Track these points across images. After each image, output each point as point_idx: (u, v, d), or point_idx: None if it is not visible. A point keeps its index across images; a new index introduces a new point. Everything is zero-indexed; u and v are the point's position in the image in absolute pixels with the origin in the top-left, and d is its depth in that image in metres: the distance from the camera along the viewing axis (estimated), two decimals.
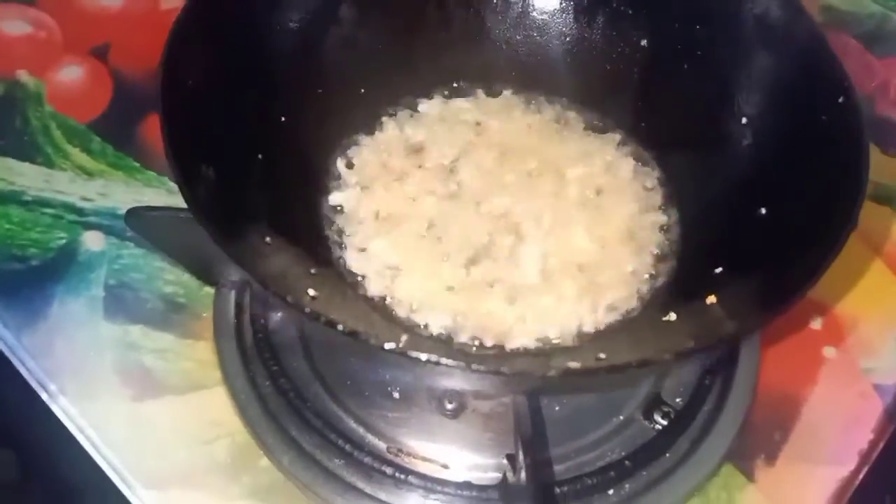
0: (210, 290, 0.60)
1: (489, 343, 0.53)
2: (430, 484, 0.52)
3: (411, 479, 0.52)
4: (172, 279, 0.62)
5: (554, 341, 0.53)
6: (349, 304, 0.53)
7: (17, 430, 0.64)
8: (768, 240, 0.52)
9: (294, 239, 0.52)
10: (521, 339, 0.53)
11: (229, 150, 0.51)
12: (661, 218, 0.59)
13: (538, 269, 0.56)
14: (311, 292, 0.48)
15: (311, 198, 0.59)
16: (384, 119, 0.63)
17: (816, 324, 0.63)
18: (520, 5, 0.65)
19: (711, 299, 0.50)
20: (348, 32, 0.62)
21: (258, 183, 0.54)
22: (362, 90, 0.62)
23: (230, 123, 0.52)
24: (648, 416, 0.56)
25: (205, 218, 0.44)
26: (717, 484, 0.56)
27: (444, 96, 0.64)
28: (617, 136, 0.63)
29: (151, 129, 0.70)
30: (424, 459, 0.54)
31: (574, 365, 0.44)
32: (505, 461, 0.51)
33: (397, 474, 0.52)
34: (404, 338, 0.46)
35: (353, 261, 0.56)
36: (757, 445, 0.57)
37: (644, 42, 0.62)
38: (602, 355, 0.48)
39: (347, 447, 0.53)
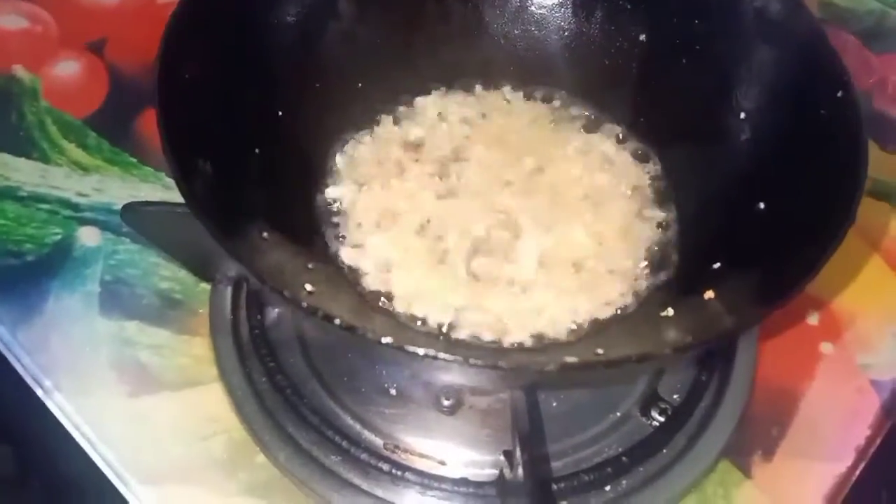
0: (206, 286, 0.60)
1: (487, 338, 0.53)
2: (427, 480, 0.52)
3: (408, 475, 0.52)
4: (169, 275, 0.61)
5: (551, 336, 0.53)
6: (346, 299, 0.53)
7: (12, 426, 0.64)
8: (766, 235, 0.52)
9: (291, 234, 0.52)
10: (519, 334, 0.53)
11: (226, 144, 0.51)
12: (659, 213, 0.59)
13: (536, 265, 0.56)
14: (308, 287, 0.48)
15: (308, 193, 0.59)
16: (382, 114, 0.63)
17: (814, 319, 0.63)
18: (518, 0, 0.65)
19: (709, 294, 0.50)
20: (347, 27, 0.61)
21: (255, 178, 0.54)
22: (360, 85, 0.62)
23: (227, 118, 0.52)
24: (645, 412, 0.56)
25: (202, 213, 0.44)
26: (714, 480, 0.56)
27: (443, 91, 0.64)
28: (615, 131, 0.63)
29: (148, 125, 0.69)
30: (421, 456, 0.54)
31: (572, 360, 0.43)
32: (502, 457, 0.51)
33: (394, 471, 0.52)
34: (401, 333, 0.46)
35: (350, 256, 0.56)
36: (754, 441, 0.57)
37: (642, 37, 0.62)
38: (600, 350, 0.48)
39: (344, 444, 0.53)
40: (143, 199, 0.62)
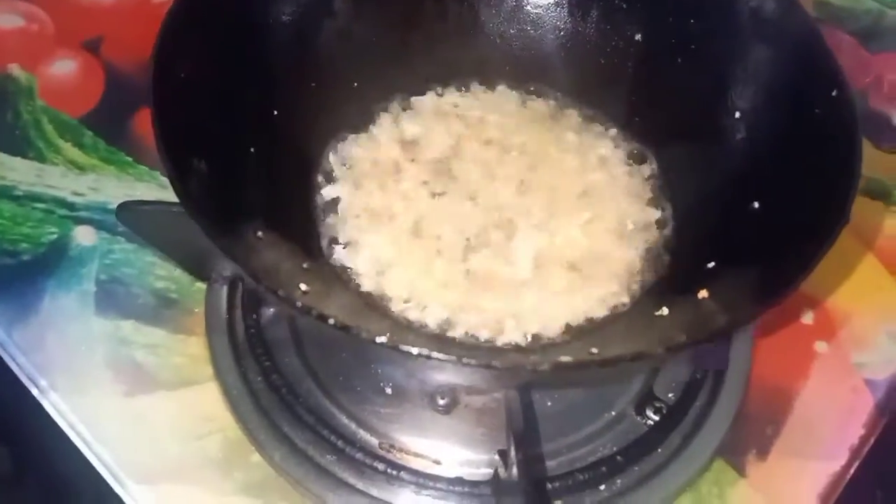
0: (202, 285, 0.60)
1: (482, 337, 0.53)
2: (422, 479, 0.52)
3: (403, 474, 0.52)
4: (164, 274, 0.61)
5: (546, 336, 0.53)
6: (341, 298, 0.53)
7: (8, 426, 0.64)
8: (761, 234, 0.52)
9: (286, 233, 0.52)
10: (514, 333, 0.53)
11: (221, 143, 0.51)
12: (654, 212, 0.59)
13: (531, 264, 0.56)
14: (303, 287, 0.48)
15: (304, 192, 0.58)
16: (378, 113, 0.63)
17: (808, 318, 0.64)
18: None
19: (704, 293, 0.50)
20: (342, 25, 0.61)
21: (251, 177, 0.54)
22: (356, 84, 0.62)
23: (222, 117, 0.52)
24: (640, 411, 0.56)
25: (197, 212, 0.44)
26: (709, 479, 0.56)
27: (438, 90, 0.64)
28: (611, 131, 0.63)
29: (143, 124, 0.69)
30: (416, 455, 0.54)
31: (566, 359, 0.44)
32: (497, 457, 0.51)
33: (389, 470, 0.52)
34: (396, 332, 0.46)
35: (345, 256, 0.56)
36: (748, 440, 0.57)
37: (638, 36, 0.62)
38: (594, 350, 0.48)
39: (339, 443, 0.53)
40: (139, 199, 0.62)
